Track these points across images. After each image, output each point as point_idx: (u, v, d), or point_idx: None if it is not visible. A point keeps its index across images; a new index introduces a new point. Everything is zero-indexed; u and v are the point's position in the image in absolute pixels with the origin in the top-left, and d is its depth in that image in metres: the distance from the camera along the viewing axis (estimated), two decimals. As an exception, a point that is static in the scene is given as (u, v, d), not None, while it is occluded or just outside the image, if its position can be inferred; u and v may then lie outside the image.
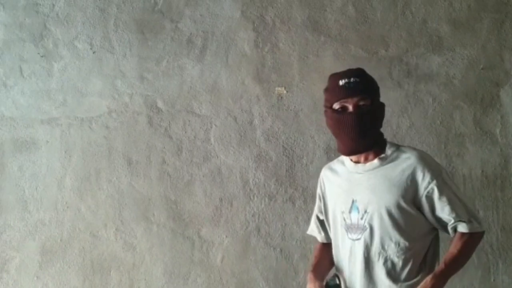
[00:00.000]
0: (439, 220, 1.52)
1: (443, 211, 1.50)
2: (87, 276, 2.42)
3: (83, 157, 2.49)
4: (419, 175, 1.50)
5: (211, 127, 2.46)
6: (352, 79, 1.53)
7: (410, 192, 1.50)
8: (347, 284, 1.57)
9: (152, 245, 2.42)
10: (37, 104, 2.54)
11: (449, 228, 1.51)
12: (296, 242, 2.36)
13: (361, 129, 1.51)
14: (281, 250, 2.37)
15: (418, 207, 1.51)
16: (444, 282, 1.46)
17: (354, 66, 1.65)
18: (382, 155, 1.56)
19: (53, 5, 2.58)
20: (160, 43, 2.53)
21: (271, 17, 2.50)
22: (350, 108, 1.52)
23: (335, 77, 1.59)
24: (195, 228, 2.41)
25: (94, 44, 2.56)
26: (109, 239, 2.43)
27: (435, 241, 1.58)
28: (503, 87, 2.39)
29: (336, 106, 1.55)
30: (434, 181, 1.50)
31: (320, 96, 2.34)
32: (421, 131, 2.39)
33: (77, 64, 2.55)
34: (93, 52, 2.55)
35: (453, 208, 1.49)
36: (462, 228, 1.50)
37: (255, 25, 2.51)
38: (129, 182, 2.46)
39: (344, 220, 1.58)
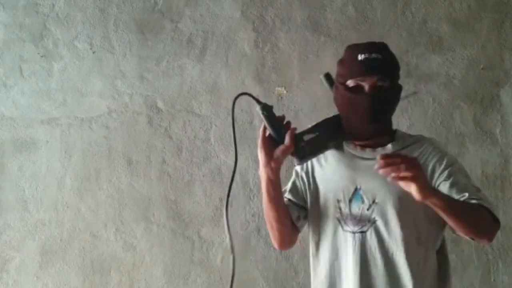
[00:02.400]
0: None
1: (456, 193, 1.30)
2: (87, 276, 2.42)
3: (83, 157, 2.49)
4: (436, 162, 1.36)
5: (211, 127, 2.46)
6: (373, 55, 1.35)
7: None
8: (343, 277, 1.40)
9: (152, 245, 2.42)
10: (37, 104, 2.54)
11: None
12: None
13: (376, 113, 1.34)
14: (281, 250, 2.37)
15: None
16: (433, 195, 1.18)
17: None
18: (394, 142, 1.41)
19: (53, 5, 2.58)
20: (160, 43, 2.53)
21: (271, 17, 2.50)
22: (366, 88, 1.34)
23: (353, 49, 1.40)
24: (195, 228, 2.41)
25: (94, 44, 2.56)
26: (109, 239, 2.43)
27: (443, 244, 1.43)
28: (503, 87, 2.39)
29: (350, 83, 1.36)
30: (450, 168, 1.34)
31: (320, 96, 2.37)
32: (421, 131, 2.37)
33: (77, 64, 2.55)
34: (93, 52, 2.55)
35: (466, 189, 1.30)
36: (474, 201, 1.27)
37: (255, 25, 2.50)
38: (129, 182, 2.46)
39: (340, 210, 1.39)
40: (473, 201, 1.28)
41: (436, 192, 1.22)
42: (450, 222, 1.24)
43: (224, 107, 2.47)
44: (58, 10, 2.58)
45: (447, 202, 1.21)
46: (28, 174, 2.49)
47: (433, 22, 2.44)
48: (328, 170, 1.45)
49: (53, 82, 2.54)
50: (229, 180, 1.30)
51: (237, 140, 2.41)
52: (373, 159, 1.30)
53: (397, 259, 1.34)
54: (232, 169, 1.32)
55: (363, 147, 1.41)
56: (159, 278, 2.40)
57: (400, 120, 2.37)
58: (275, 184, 1.35)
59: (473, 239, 1.31)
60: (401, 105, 2.37)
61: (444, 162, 1.36)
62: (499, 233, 2.27)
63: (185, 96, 2.49)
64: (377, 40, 1.48)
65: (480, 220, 1.26)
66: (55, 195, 2.47)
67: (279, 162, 1.32)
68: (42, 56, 2.56)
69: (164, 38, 2.53)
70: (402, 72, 2.38)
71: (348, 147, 1.42)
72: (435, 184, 1.34)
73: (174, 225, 2.42)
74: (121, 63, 2.53)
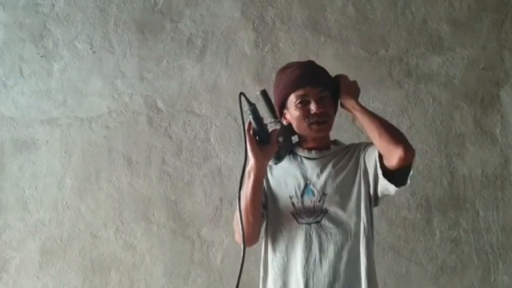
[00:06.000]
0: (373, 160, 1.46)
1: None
2: (87, 276, 2.42)
3: (83, 157, 2.49)
4: (357, 149, 1.55)
5: (211, 127, 2.46)
6: (307, 69, 1.52)
7: (356, 168, 1.51)
8: (300, 265, 1.49)
9: (152, 245, 2.42)
10: (37, 104, 2.54)
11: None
12: (296, 242, 2.36)
13: (326, 125, 1.53)
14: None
15: (366, 178, 1.50)
16: (356, 105, 1.45)
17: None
18: (335, 145, 1.59)
19: (53, 5, 2.58)
20: (160, 43, 2.53)
21: (271, 17, 2.50)
22: (312, 101, 1.49)
23: (286, 70, 1.56)
24: (195, 228, 2.41)
25: (94, 44, 2.56)
26: (109, 239, 2.43)
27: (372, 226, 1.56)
28: (503, 87, 2.39)
29: (295, 100, 1.51)
30: (365, 144, 1.54)
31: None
32: (421, 131, 2.39)
33: (77, 64, 2.55)
34: (93, 52, 2.55)
35: None
36: None
37: (255, 25, 2.51)
38: (129, 182, 2.46)
39: (293, 205, 1.52)
40: None
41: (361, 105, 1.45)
42: (371, 127, 1.40)
43: (224, 107, 2.47)
44: (58, 10, 2.58)
45: (370, 111, 1.43)
46: (28, 174, 2.49)
47: (433, 22, 2.44)
48: (281, 172, 1.58)
49: (53, 82, 2.55)
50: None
51: (237, 141, 2.44)
52: (319, 158, 1.54)
53: (352, 240, 1.47)
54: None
55: (310, 149, 1.57)
56: (159, 278, 2.40)
57: (400, 120, 2.37)
58: (261, 181, 1.49)
59: (388, 151, 1.38)
60: (401, 105, 2.40)
61: (362, 145, 1.56)
62: (499, 233, 2.30)
63: (185, 96, 2.49)
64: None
65: (395, 129, 1.40)
66: (55, 195, 2.47)
67: (268, 160, 1.46)
68: (42, 56, 2.56)
69: (164, 38, 2.53)
70: (402, 72, 2.42)
71: (297, 151, 1.59)
72: (363, 156, 1.51)
73: (174, 225, 2.42)
74: (121, 63, 2.53)
